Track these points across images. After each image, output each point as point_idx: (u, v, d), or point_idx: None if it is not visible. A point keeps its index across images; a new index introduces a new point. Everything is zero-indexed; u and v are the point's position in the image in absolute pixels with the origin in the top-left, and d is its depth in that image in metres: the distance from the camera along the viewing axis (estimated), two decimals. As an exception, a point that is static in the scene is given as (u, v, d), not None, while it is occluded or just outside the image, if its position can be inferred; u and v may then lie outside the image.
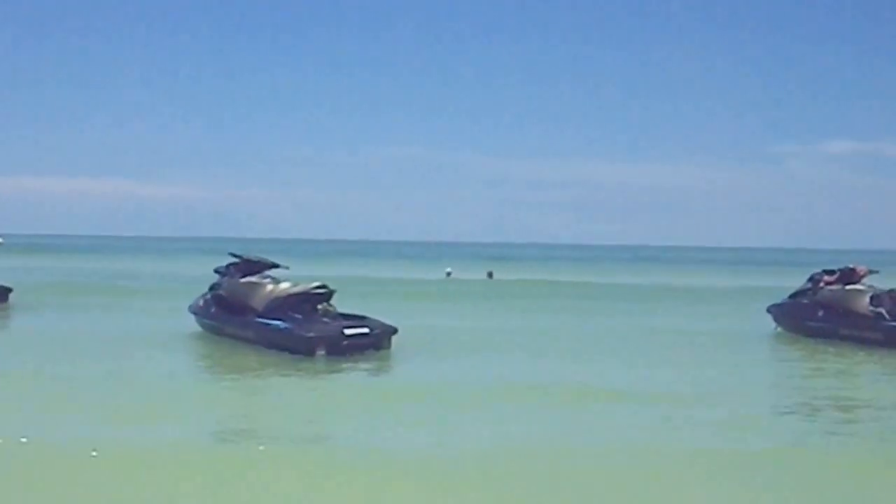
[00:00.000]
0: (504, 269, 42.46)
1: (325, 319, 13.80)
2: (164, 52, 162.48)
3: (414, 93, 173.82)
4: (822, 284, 16.61)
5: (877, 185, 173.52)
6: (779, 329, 17.30)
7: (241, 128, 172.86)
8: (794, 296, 17.27)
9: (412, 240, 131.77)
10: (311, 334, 13.31)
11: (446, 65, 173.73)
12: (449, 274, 38.02)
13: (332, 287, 14.24)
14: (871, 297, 15.68)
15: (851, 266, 16.58)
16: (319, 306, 14.00)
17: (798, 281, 17.77)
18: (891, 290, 15.66)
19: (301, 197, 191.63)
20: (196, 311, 15.65)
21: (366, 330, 13.57)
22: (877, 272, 16.79)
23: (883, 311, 15.39)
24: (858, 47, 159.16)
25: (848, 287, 16.14)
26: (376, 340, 13.60)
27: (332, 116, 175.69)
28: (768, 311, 17.71)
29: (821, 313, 16.27)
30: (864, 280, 16.34)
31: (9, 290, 20.87)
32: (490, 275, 37.46)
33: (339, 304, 14.27)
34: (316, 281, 14.48)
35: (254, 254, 15.69)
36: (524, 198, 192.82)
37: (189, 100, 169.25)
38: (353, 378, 11.97)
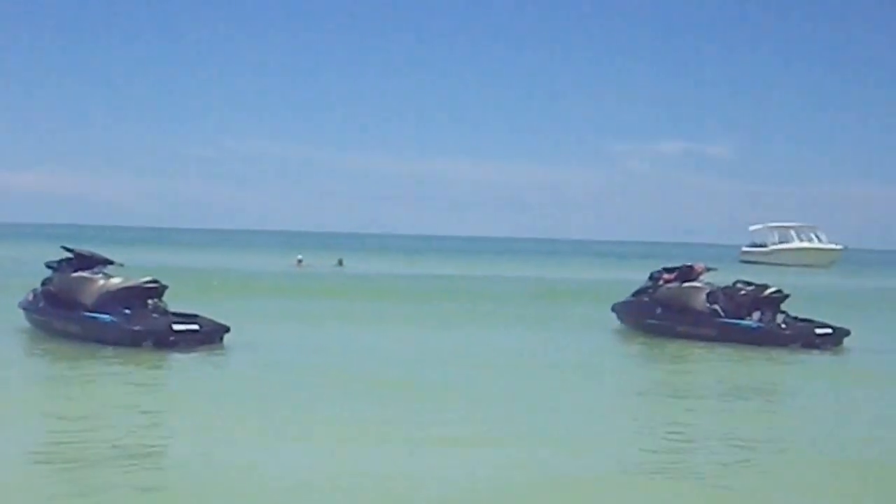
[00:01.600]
0: (354, 258, 44.68)
1: (155, 315, 13.30)
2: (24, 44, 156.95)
3: (274, 88, 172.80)
4: (661, 282, 16.85)
5: (703, 183, 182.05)
6: (623, 326, 17.53)
7: (103, 119, 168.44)
8: (636, 294, 17.48)
9: (271, 229, 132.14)
10: (138, 328, 12.87)
11: (301, 62, 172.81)
12: (300, 262, 38.67)
13: (163, 281, 13.72)
14: (708, 294, 15.99)
15: (690, 264, 16.89)
16: (150, 301, 13.45)
17: (639, 274, 18.11)
18: (725, 287, 16.03)
19: (157, 187, 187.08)
20: (25, 306, 14.82)
21: (195, 327, 13.21)
22: (715, 269, 17.15)
23: (718, 307, 15.73)
24: (686, 56, 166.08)
25: (685, 284, 16.42)
26: (205, 337, 13.21)
27: (194, 111, 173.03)
28: (613, 309, 17.89)
29: (659, 310, 16.51)
30: (703, 277, 16.65)
31: None
32: (340, 262, 39.01)
33: (190, 294, 13.81)
34: (147, 275, 13.95)
35: (86, 248, 14.93)
36: (379, 192, 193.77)
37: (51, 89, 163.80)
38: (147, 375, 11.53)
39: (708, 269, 16.86)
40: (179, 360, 12.34)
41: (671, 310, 16.28)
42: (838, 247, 59.79)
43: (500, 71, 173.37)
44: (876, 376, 13.07)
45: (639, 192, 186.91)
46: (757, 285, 15.80)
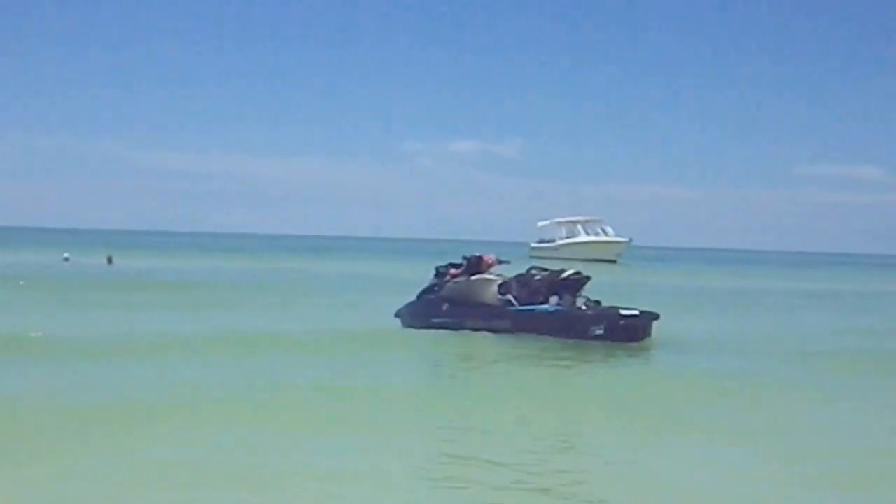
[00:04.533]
0: (127, 256, 42.79)
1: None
2: None
3: (62, 84, 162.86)
4: (447, 277, 15.05)
5: (493, 181, 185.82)
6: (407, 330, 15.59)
7: None
8: (422, 294, 15.48)
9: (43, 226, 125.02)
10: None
11: (97, 58, 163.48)
12: (67, 259, 37.17)
13: None
14: (500, 285, 14.27)
15: (478, 255, 15.07)
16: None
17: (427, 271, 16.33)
18: (518, 275, 14.30)
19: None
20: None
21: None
22: (508, 262, 15.51)
23: (511, 297, 14.02)
24: (478, 54, 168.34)
25: (474, 277, 14.66)
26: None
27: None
28: (396, 315, 15.63)
29: (445, 307, 14.68)
30: (493, 269, 14.90)
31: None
32: (109, 259, 37.22)
33: None
34: None
35: None
36: (165, 188, 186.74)
37: None
38: None
39: (500, 262, 15.14)
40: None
41: (460, 305, 14.48)
42: (624, 239, 60.51)
43: (294, 67, 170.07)
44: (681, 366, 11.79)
45: (430, 191, 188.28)
46: (553, 270, 14.10)
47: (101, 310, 17.79)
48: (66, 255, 37.98)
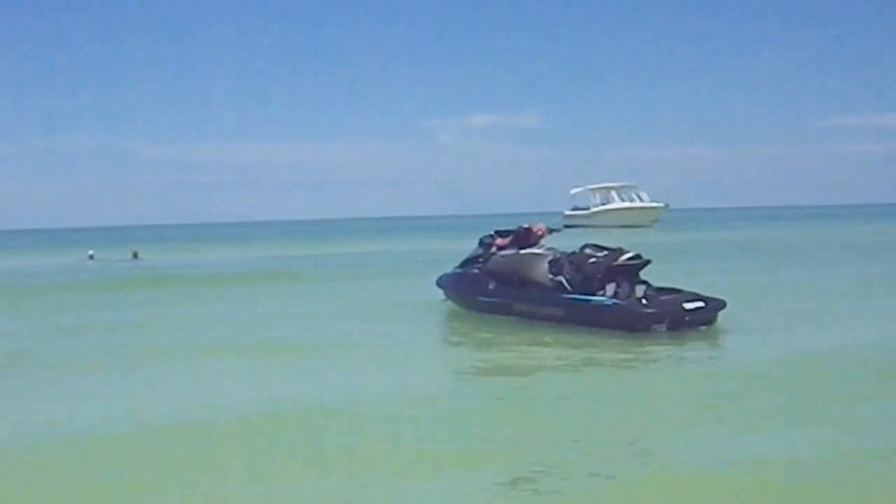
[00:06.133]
0: (153, 249, 42.71)
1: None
2: None
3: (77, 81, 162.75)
4: (493, 249, 13.73)
5: (516, 153, 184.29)
6: (448, 303, 14.36)
7: None
8: (464, 263, 14.21)
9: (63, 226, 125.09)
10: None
11: (106, 56, 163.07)
12: (92, 257, 36.72)
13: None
14: (551, 263, 12.90)
15: (527, 225, 13.68)
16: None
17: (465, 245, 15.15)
18: (572, 254, 12.78)
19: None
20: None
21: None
22: (559, 230, 14.13)
23: (563, 280, 12.60)
24: (490, 28, 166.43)
25: (523, 251, 13.33)
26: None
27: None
28: (438, 283, 14.60)
29: (492, 285, 13.40)
30: (543, 241, 13.56)
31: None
32: (135, 255, 36.85)
33: None
34: None
35: None
36: (186, 180, 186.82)
37: None
38: None
39: (550, 231, 13.77)
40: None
41: (508, 283, 13.21)
42: (660, 204, 59.17)
43: (307, 52, 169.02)
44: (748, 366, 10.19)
45: (452, 167, 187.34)
46: (610, 250, 12.43)
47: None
48: (90, 252, 37.44)
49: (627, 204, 58.86)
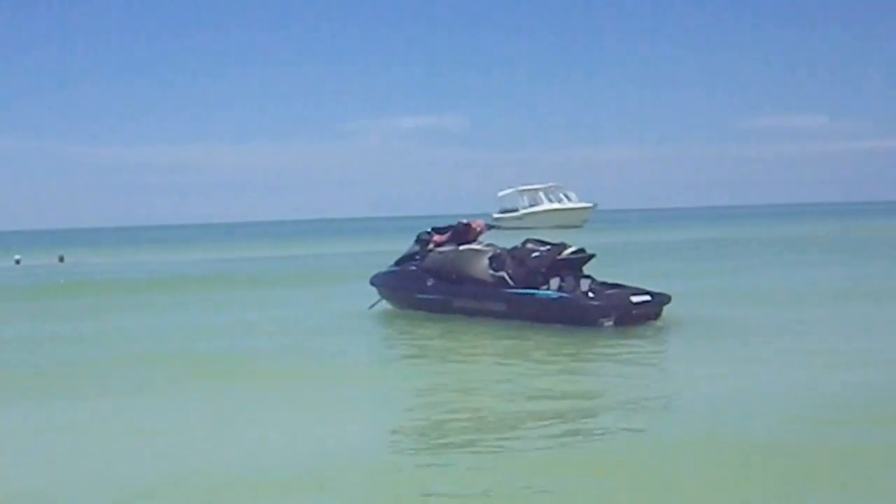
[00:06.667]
0: (81, 253, 41.78)
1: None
2: None
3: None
4: (431, 245, 13.30)
5: (445, 155, 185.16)
6: (384, 303, 13.84)
7: None
8: (400, 261, 13.79)
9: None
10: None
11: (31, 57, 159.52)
12: (18, 261, 35.62)
13: None
14: (492, 259, 12.55)
15: (465, 221, 13.34)
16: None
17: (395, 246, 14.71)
18: (513, 249, 12.49)
19: None
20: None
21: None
22: (497, 227, 13.82)
23: (506, 275, 12.28)
24: (420, 30, 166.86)
25: (462, 247, 12.94)
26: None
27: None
28: (372, 282, 14.14)
29: (431, 282, 12.98)
30: (483, 237, 13.19)
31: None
32: (61, 258, 36.23)
33: None
34: None
35: None
36: (116, 182, 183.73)
37: None
38: None
39: (489, 227, 13.44)
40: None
41: (446, 280, 12.80)
42: (589, 205, 59.30)
43: (234, 54, 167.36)
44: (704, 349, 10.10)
45: (379, 169, 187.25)
46: (553, 245, 12.20)
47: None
48: (17, 257, 36.53)
49: (556, 205, 58.89)
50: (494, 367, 9.58)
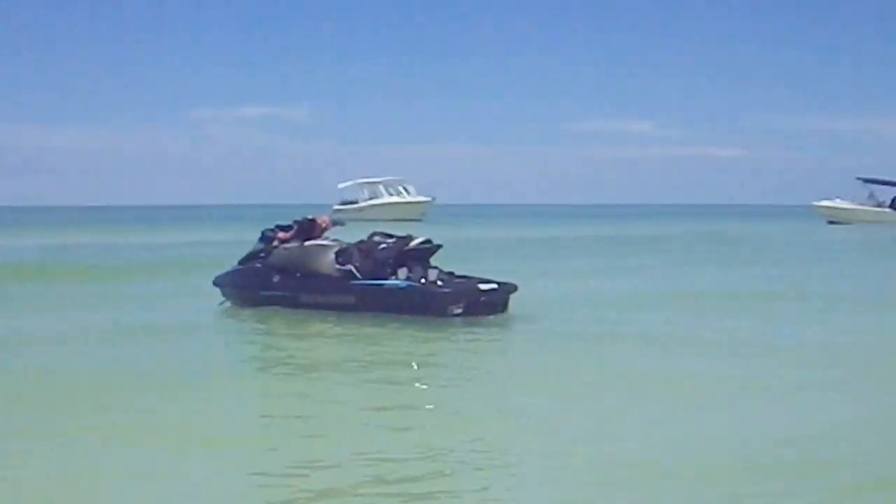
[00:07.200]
0: None
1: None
2: None
3: None
4: (276, 242, 13.31)
5: (287, 145, 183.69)
6: (227, 304, 13.69)
7: None
8: (245, 260, 13.66)
9: None
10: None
11: None
12: None
13: None
14: (338, 253, 12.65)
15: (311, 217, 13.38)
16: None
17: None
18: (360, 242, 12.66)
19: None
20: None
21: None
22: (343, 224, 13.94)
23: (353, 268, 12.41)
24: (263, 19, 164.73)
25: (308, 243, 13.00)
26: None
27: None
28: (215, 283, 13.84)
29: (276, 278, 12.97)
30: (328, 233, 13.27)
31: None
32: None
33: None
34: None
35: None
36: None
37: None
38: None
39: (335, 224, 13.56)
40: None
41: (293, 275, 12.82)
42: (427, 199, 59.99)
43: (76, 34, 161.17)
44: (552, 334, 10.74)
45: (222, 158, 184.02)
46: (400, 236, 12.49)
47: None
48: None
49: (395, 198, 59.43)
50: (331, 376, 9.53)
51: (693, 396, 7.62)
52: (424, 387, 8.49)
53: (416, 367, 9.19)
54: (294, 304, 12.61)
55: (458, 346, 10.56)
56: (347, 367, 9.39)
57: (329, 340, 11.14)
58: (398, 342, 10.51)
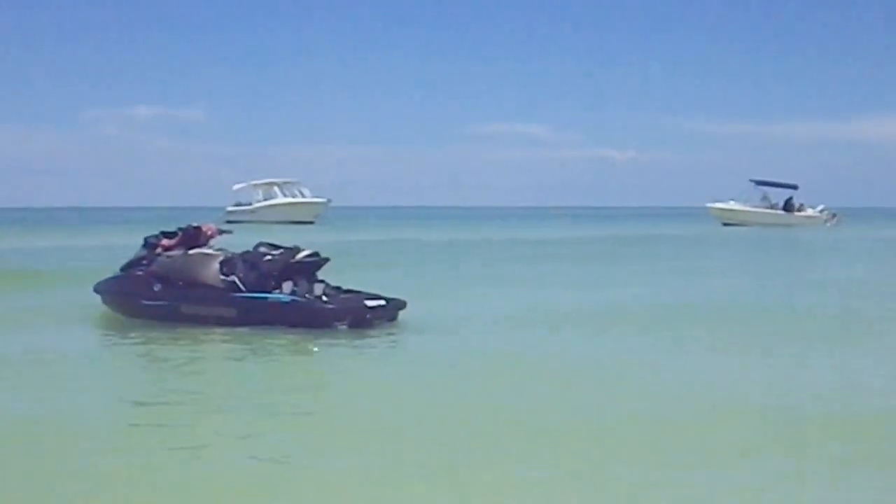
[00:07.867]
0: None
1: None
2: None
3: None
4: (159, 250, 12.85)
5: (180, 147, 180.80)
6: (109, 312, 13.18)
7: None
8: (127, 267, 13.13)
9: None
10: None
11: None
12: None
13: None
14: (222, 263, 12.26)
15: (196, 224, 12.95)
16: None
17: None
18: (245, 253, 12.28)
19: None
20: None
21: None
22: (230, 233, 13.54)
23: (237, 279, 12.05)
24: (156, 18, 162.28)
25: (192, 252, 12.58)
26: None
27: None
28: (95, 289, 13.30)
29: (158, 287, 12.51)
30: (215, 242, 12.83)
31: None
32: None
33: None
34: None
35: None
36: None
37: None
38: None
39: (221, 232, 13.11)
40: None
41: (175, 285, 12.40)
42: (322, 200, 59.54)
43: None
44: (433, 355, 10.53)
45: (114, 158, 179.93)
46: (287, 248, 12.14)
47: None
48: None
49: (290, 200, 58.73)
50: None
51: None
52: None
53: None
54: (174, 315, 12.15)
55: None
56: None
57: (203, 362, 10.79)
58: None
